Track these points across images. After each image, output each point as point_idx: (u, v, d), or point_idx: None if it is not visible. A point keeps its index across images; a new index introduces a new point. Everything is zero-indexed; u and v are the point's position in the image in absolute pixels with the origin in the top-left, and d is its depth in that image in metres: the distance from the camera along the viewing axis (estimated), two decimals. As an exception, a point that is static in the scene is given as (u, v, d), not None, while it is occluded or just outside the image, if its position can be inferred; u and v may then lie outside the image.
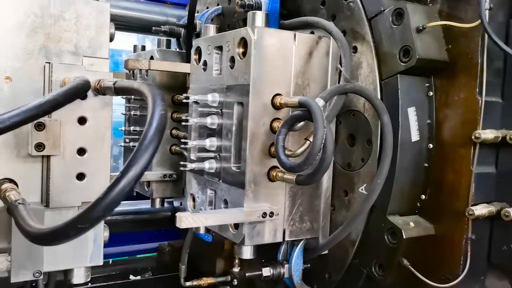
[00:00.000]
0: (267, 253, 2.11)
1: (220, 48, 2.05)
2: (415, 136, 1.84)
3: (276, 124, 1.86)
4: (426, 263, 1.85)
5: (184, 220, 1.72)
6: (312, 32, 2.08)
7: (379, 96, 1.87)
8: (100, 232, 1.68)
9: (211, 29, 2.21)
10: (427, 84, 1.87)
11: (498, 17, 1.74)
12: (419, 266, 1.83)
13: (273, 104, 1.88)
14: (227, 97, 1.97)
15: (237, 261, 2.31)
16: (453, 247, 1.78)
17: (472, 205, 1.72)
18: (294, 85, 1.94)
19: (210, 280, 2.48)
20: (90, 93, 1.52)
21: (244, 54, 1.89)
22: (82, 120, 1.56)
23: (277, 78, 1.89)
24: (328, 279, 2.12)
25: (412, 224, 1.84)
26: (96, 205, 1.02)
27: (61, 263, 1.62)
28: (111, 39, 1.66)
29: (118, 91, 1.46)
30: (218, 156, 2.03)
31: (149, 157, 1.06)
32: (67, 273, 1.68)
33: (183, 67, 2.32)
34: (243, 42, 1.90)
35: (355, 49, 1.98)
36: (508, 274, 1.79)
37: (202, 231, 2.21)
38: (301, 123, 1.82)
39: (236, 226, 1.93)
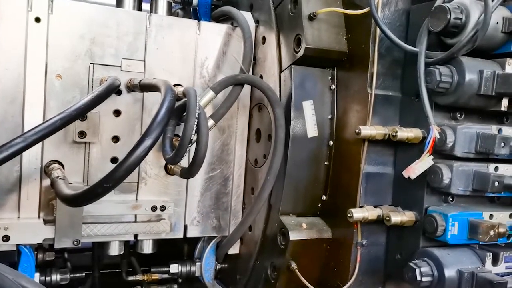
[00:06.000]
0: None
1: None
2: (312, 132, 1.72)
3: (173, 116, 1.80)
4: (319, 268, 1.72)
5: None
6: (232, 23, 2.01)
7: (277, 88, 1.77)
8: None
9: None
10: (329, 77, 1.74)
11: (398, 4, 1.59)
12: (311, 270, 1.71)
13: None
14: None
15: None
16: (344, 252, 1.64)
17: (360, 207, 1.58)
18: (198, 76, 1.87)
19: (155, 276, 2.43)
20: (124, 90, 1.73)
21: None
22: (117, 113, 1.75)
23: (175, 68, 1.83)
24: (239, 281, 2.02)
25: (305, 225, 1.72)
26: (118, 167, 1.27)
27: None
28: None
29: (142, 87, 1.65)
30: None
31: (160, 131, 1.31)
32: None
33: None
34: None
35: (264, 39, 1.89)
36: (404, 286, 1.62)
37: None
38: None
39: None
